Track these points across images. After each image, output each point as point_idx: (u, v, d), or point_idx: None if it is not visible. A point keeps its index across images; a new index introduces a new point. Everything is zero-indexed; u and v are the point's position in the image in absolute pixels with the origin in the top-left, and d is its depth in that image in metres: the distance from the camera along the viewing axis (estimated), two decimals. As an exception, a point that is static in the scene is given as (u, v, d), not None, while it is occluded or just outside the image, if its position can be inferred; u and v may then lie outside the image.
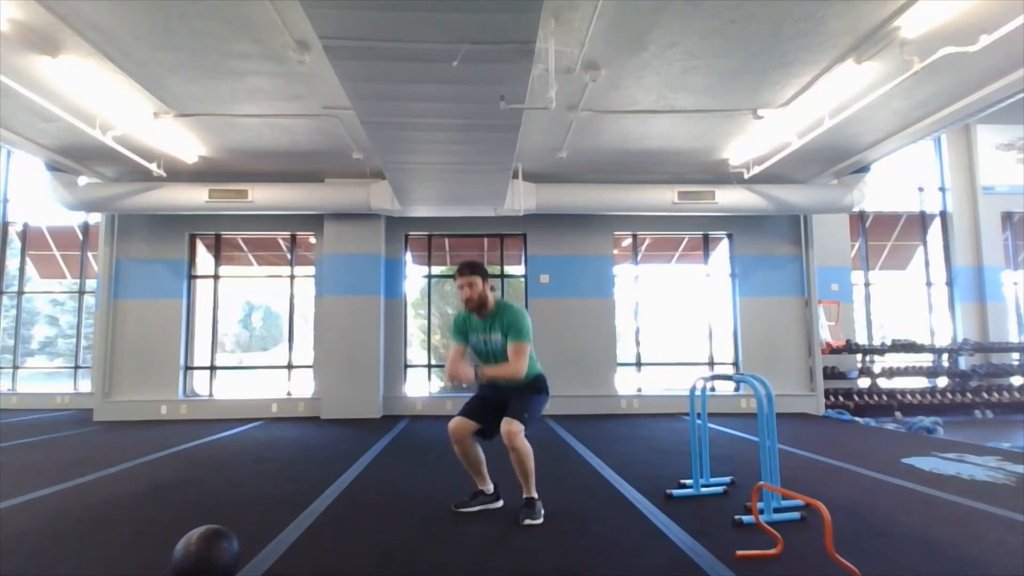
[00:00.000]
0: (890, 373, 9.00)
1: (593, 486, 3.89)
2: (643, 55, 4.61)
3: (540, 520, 2.99)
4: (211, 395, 8.34)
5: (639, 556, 2.55)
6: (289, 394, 8.30)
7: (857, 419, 7.82)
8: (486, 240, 9.02)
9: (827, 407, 8.31)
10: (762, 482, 2.88)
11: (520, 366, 2.98)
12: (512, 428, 2.92)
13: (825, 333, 8.72)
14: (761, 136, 6.30)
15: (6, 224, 9.89)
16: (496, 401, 3.10)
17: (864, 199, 7.47)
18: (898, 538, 2.77)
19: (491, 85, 3.93)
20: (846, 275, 9.18)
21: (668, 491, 3.57)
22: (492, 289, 3.17)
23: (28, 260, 10.10)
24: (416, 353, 8.90)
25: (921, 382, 9.24)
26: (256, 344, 17.67)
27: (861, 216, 9.74)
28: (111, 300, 8.01)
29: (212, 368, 8.45)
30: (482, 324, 3.13)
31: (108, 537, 2.86)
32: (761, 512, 2.96)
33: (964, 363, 9.37)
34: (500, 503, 3.28)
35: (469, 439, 3.12)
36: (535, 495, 3.05)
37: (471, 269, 3.06)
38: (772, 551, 2.51)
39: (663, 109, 5.65)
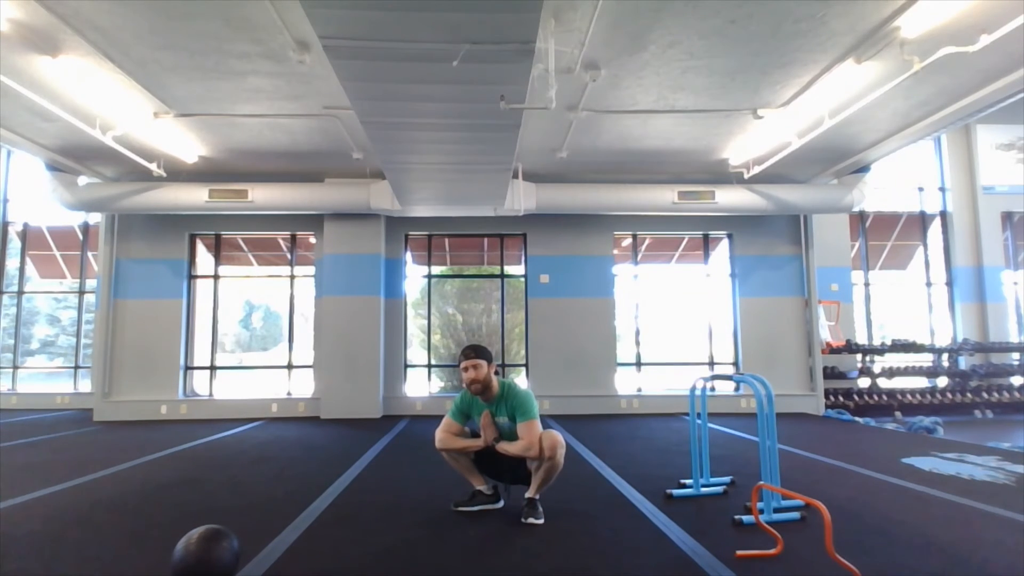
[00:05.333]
0: (890, 373, 9.00)
1: (593, 486, 3.89)
2: (643, 55, 4.61)
3: (542, 520, 3.00)
4: (211, 395, 8.34)
5: (639, 556, 2.55)
6: (289, 394, 8.30)
7: (857, 419, 7.82)
8: (486, 240, 9.02)
9: (827, 407, 8.31)
10: (762, 482, 2.88)
11: (534, 439, 2.95)
12: (559, 440, 2.96)
13: (825, 333, 8.72)
14: (761, 136, 6.30)
15: (6, 224, 9.88)
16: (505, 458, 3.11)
17: (864, 199, 7.47)
18: (898, 538, 2.77)
19: (491, 85, 3.93)
20: (846, 275, 9.18)
21: (668, 491, 3.57)
22: (497, 373, 3.17)
23: (28, 260, 10.10)
24: (416, 353, 8.90)
25: (921, 382, 9.24)
26: (256, 344, 17.67)
27: (861, 216, 9.74)
28: (111, 300, 8.01)
29: (212, 368, 8.45)
30: (487, 408, 3.14)
31: (108, 537, 2.86)
32: (761, 512, 2.96)
33: (964, 363, 9.37)
34: (500, 503, 3.28)
35: (455, 445, 3.15)
36: (538, 496, 3.06)
37: (477, 352, 3.06)
38: (772, 551, 2.51)
39: (663, 109, 5.65)
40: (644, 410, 8.16)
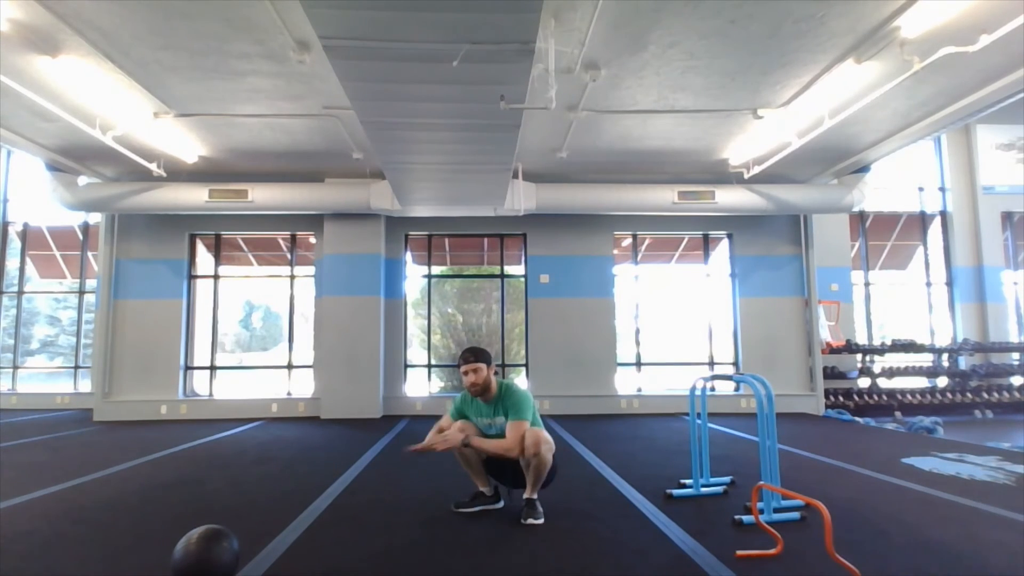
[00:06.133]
0: (890, 373, 9.00)
1: (593, 486, 3.89)
2: (643, 55, 4.61)
3: (542, 520, 3.00)
4: (211, 395, 8.34)
5: (639, 556, 2.55)
6: (289, 394, 8.30)
7: (857, 419, 7.82)
8: (486, 240, 9.02)
9: (827, 407, 8.31)
10: (762, 482, 2.88)
11: (516, 439, 2.95)
12: (541, 436, 2.97)
13: (825, 333, 8.72)
14: (761, 136, 6.30)
15: (6, 224, 9.89)
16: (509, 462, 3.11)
17: (864, 199, 7.47)
18: (898, 538, 2.77)
19: (491, 85, 3.93)
20: (846, 275, 9.18)
21: (668, 491, 3.57)
22: (496, 374, 3.20)
23: (28, 260, 10.10)
24: (416, 353, 8.89)
25: (921, 382, 9.24)
26: (256, 344, 17.66)
27: (861, 216, 9.74)
28: (111, 300, 8.01)
29: (212, 368, 8.45)
30: (486, 408, 3.15)
31: (108, 537, 2.86)
32: (761, 512, 2.96)
33: (964, 363, 9.37)
34: (500, 504, 3.28)
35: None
36: (536, 496, 3.07)
37: (476, 356, 3.09)
38: (772, 551, 2.51)
39: (663, 109, 5.65)
40: (644, 410, 8.16)
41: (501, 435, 3.09)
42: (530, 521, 2.97)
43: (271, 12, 3.89)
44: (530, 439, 2.93)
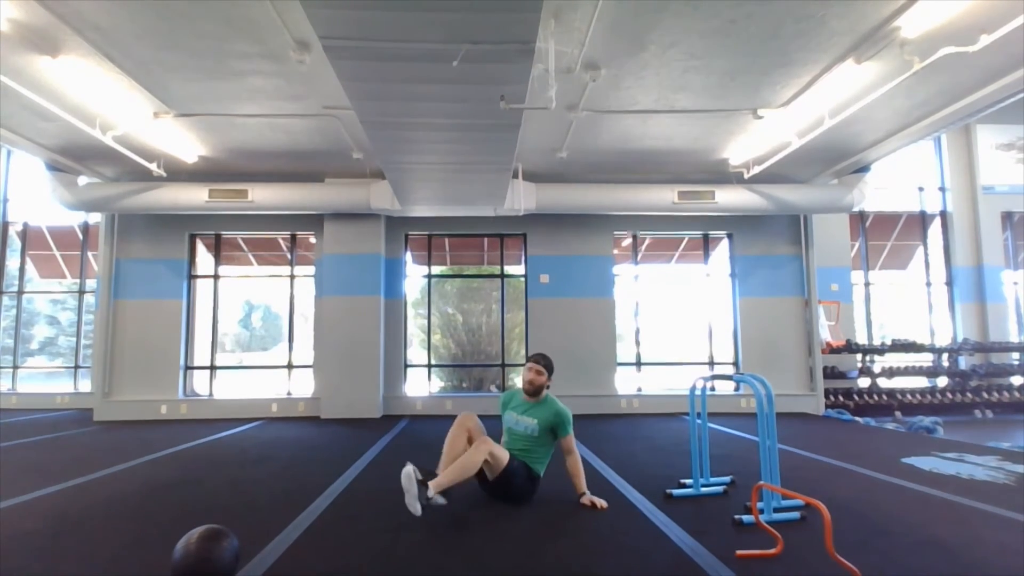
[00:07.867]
0: (890, 373, 9.00)
1: (593, 486, 3.87)
2: (643, 55, 4.61)
3: (441, 502, 2.95)
4: (211, 395, 8.34)
5: (639, 556, 2.55)
6: (289, 394, 8.30)
7: (857, 419, 7.82)
8: (486, 240, 9.02)
9: (827, 407, 8.31)
10: (762, 482, 2.88)
11: (577, 454, 3.43)
12: (489, 445, 3.19)
13: (825, 333, 8.72)
14: (761, 136, 6.30)
15: (6, 224, 9.88)
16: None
17: (864, 199, 7.47)
18: (898, 538, 2.77)
19: (491, 85, 3.93)
20: (846, 275, 9.18)
21: (668, 491, 3.57)
22: (548, 387, 3.54)
23: (28, 260, 10.10)
24: (416, 353, 8.89)
25: (921, 382, 9.24)
26: (256, 344, 17.67)
27: (861, 216, 9.74)
28: (111, 300, 8.01)
29: (212, 368, 8.45)
30: (524, 405, 3.50)
31: (108, 537, 2.86)
32: (761, 512, 2.96)
33: (964, 363, 9.37)
34: (443, 500, 3.04)
35: (466, 432, 3.35)
36: (435, 493, 2.96)
37: (546, 362, 3.52)
38: (772, 551, 2.51)
39: (663, 109, 5.65)
40: (644, 410, 8.16)
41: (525, 430, 3.43)
42: (432, 501, 2.91)
43: (271, 12, 3.90)
44: (480, 442, 3.18)
